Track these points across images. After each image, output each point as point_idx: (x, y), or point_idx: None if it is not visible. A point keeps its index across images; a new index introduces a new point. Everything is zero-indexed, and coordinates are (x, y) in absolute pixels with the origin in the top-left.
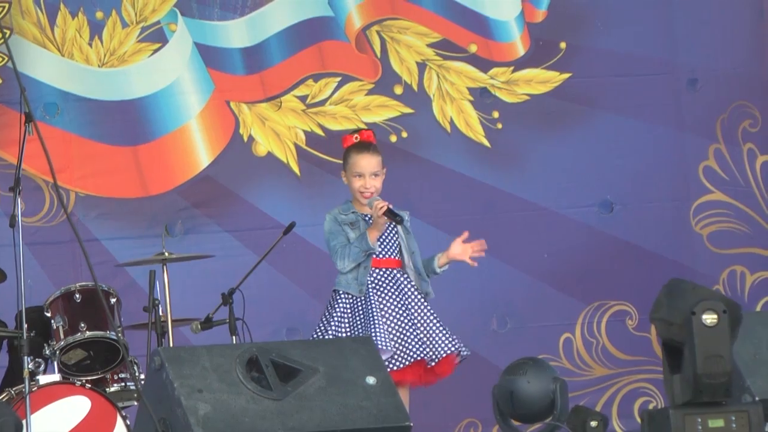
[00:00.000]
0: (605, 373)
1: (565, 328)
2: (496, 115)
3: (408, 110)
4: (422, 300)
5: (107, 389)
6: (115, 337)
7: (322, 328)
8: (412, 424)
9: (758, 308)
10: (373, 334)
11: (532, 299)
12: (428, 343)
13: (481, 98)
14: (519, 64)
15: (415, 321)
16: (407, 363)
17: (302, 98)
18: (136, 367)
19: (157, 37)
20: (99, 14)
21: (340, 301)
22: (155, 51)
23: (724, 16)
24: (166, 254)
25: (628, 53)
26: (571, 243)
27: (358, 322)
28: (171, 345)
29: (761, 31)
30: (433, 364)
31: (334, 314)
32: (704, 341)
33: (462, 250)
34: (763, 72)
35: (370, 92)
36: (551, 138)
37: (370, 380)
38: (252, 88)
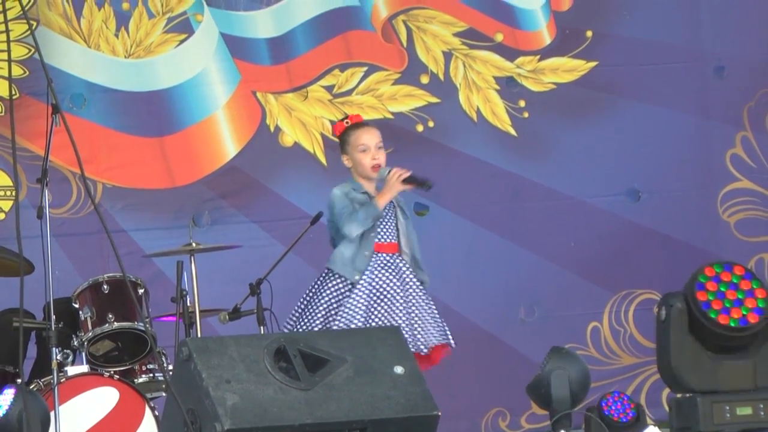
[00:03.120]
0: (633, 362)
1: (592, 317)
2: (522, 104)
3: (434, 100)
4: (420, 288)
5: (135, 380)
6: (143, 328)
7: (311, 309)
8: (440, 413)
9: None
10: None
11: (559, 288)
12: (420, 332)
13: (508, 87)
14: (545, 53)
15: (412, 310)
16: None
17: (329, 88)
18: (164, 358)
19: (183, 27)
20: (125, 5)
21: (331, 282)
22: (181, 42)
23: (751, 3)
24: (194, 245)
25: (654, 41)
26: (597, 232)
27: (336, 308)
28: (199, 335)
29: None
30: (424, 352)
31: (323, 296)
32: None
33: None
34: None
35: (397, 82)
36: (578, 127)
37: (398, 370)
38: (278, 79)
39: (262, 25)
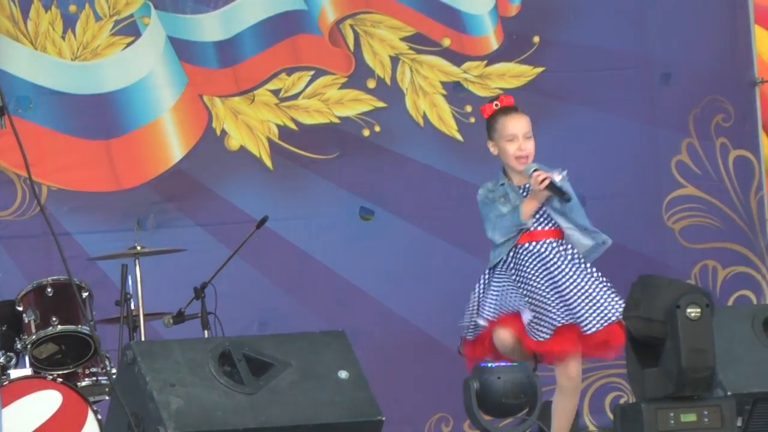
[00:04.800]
0: None
1: None
2: (469, 109)
3: (381, 104)
4: (576, 270)
5: (79, 383)
6: (87, 332)
7: (473, 306)
8: (384, 418)
9: (730, 303)
10: (483, 304)
11: None
12: (576, 310)
13: (454, 92)
14: (492, 58)
15: (562, 289)
16: (551, 333)
17: (275, 92)
18: (107, 362)
19: (130, 30)
20: (72, 7)
21: (487, 278)
22: (128, 44)
23: (698, 11)
24: (138, 248)
25: (601, 47)
26: None
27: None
28: (143, 339)
29: (734, 26)
30: (588, 332)
31: (488, 292)
32: (688, 335)
33: None
34: (737, 67)
35: (343, 86)
36: None
37: (343, 374)
38: (225, 82)
39: (209, 28)
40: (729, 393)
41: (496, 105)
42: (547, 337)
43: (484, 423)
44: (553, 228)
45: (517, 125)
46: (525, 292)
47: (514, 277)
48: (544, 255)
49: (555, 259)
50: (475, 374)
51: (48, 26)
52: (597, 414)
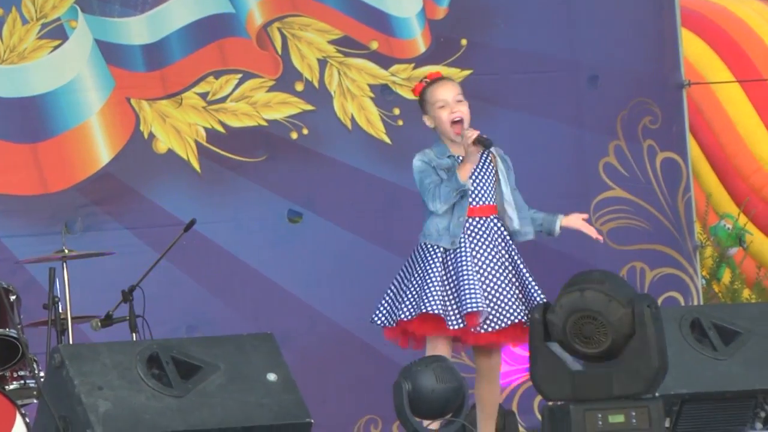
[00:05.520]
0: (505, 370)
1: None
2: (397, 111)
3: (309, 107)
4: (515, 252)
5: (6, 387)
6: (14, 335)
7: (406, 280)
8: (312, 421)
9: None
10: (467, 294)
11: None
12: (525, 300)
13: (382, 95)
14: (420, 61)
15: (511, 277)
16: (505, 325)
17: (203, 95)
18: (35, 365)
19: (57, 33)
20: None
21: (430, 253)
22: (55, 48)
23: (624, 14)
24: (66, 251)
25: (528, 50)
26: None
27: (451, 279)
28: (71, 342)
29: (661, 28)
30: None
31: (426, 267)
32: (660, 335)
33: (578, 220)
34: (663, 69)
35: (271, 89)
36: None
37: (271, 377)
38: (153, 85)
39: (136, 31)
40: (657, 394)
41: (425, 81)
42: (497, 329)
43: (416, 425)
44: (492, 204)
45: (446, 91)
46: (481, 278)
47: (468, 258)
48: (494, 234)
49: (501, 240)
50: (404, 374)
51: None
52: (526, 415)
